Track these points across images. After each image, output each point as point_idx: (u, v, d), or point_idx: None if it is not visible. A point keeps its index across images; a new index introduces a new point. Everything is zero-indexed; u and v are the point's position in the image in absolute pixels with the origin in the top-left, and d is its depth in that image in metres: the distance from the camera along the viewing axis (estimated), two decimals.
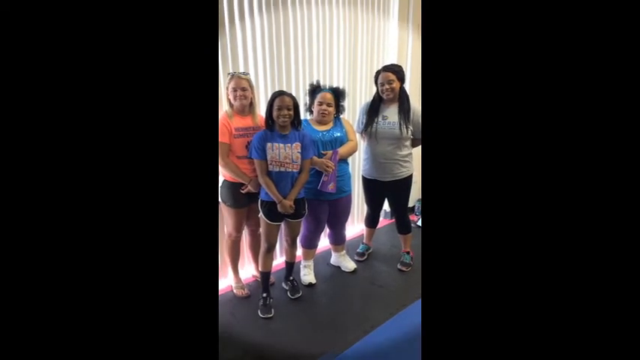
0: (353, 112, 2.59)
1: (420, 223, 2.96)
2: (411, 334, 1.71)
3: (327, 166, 1.88)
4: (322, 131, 1.94)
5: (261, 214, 1.82)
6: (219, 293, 2.04)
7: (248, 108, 1.79)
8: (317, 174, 1.94)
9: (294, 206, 1.79)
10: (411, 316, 1.85)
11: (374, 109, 2.07)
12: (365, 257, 2.42)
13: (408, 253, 2.34)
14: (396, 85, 1.99)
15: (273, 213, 1.80)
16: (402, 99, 2.02)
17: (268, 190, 1.75)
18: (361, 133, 2.15)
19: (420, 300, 1.96)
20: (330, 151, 1.92)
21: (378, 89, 2.05)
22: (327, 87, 1.95)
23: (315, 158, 1.89)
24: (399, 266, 2.31)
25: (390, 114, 2.03)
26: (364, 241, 2.49)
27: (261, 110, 1.89)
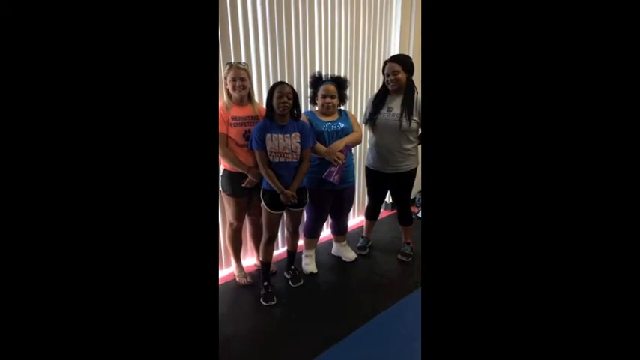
0: (355, 103, 2.59)
1: (420, 214, 2.97)
2: (411, 321, 1.74)
3: (338, 158, 1.89)
4: (328, 122, 1.95)
5: (262, 203, 1.84)
6: (222, 282, 2.08)
7: (247, 98, 1.80)
8: (322, 164, 1.95)
9: (296, 196, 1.81)
10: (410, 305, 1.88)
11: (380, 100, 2.05)
12: (366, 251, 2.42)
13: (408, 243, 2.36)
14: (401, 76, 1.95)
15: (274, 202, 1.82)
16: (407, 90, 1.99)
17: (269, 182, 1.77)
18: (366, 124, 2.15)
19: (419, 289, 1.98)
20: (344, 145, 1.92)
21: (384, 80, 2.04)
22: (329, 77, 1.95)
23: (324, 148, 1.91)
24: (399, 256, 2.33)
25: (396, 105, 2.01)
26: (364, 234, 2.48)
27: (262, 101, 1.91)
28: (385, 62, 2.03)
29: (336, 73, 2.24)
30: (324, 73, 1.98)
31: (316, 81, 1.95)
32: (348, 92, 2.05)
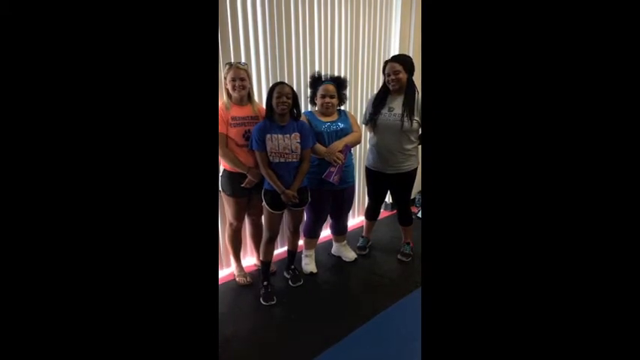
0: (355, 103, 2.59)
1: (420, 214, 2.97)
2: (411, 321, 1.74)
3: (338, 158, 1.90)
4: (327, 122, 1.95)
5: (264, 203, 1.85)
6: (222, 282, 2.08)
7: (246, 98, 1.81)
8: (321, 164, 1.95)
9: (297, 196, 1.81)
10: (410, 305, 1.88)
11: (380, 100, 2.05)
12: (366, 251, 2.42)
13: (408, 243, 2.36)
14: (402, 75, 1.95)
15: (276, 202, 1.82)
16: (408, 90, 1.99)
17: (270, 182, 1.77)
18: (367, 124, 2.15)
19: (419, 289, 1.98)
20: (343, 145, 1.93)
21: (385, 79, 2.04)
22: (328, 77, 1.95)
23: (324, 148, 1.91)
24: (399, 256, 2.33)
25: (397, 105, 2.01)
26: (364, 234, 2.48)
27: (262, 101, 1.90)
28: (386, 62, 2.03)
29: (336, 73, 2.24)
30: (323, 73, 1.98)
31: (315, 81, 1.95)
32: (347, 92, 2.05)
